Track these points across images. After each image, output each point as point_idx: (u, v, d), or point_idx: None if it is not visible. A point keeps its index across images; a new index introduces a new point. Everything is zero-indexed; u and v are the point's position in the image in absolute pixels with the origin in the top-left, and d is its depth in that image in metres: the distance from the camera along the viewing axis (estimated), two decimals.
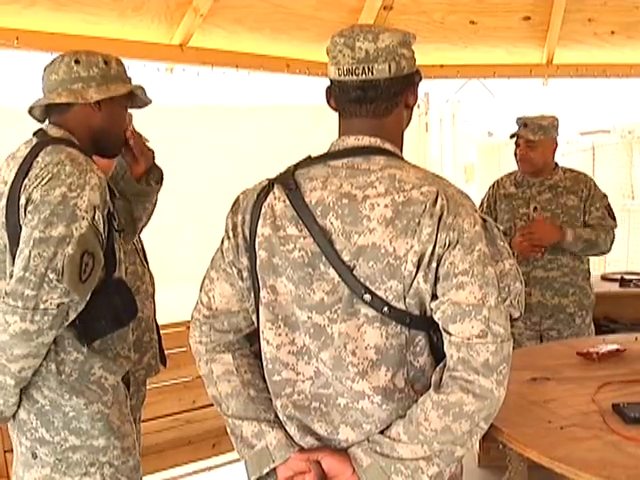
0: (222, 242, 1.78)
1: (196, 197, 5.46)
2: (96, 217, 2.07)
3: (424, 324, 1.63)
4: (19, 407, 2.16)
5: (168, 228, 5.28)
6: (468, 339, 1.55)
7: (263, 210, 1.69)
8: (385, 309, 1.59)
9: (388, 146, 1.69)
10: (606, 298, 4.77)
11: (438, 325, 1.61)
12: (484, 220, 1.63)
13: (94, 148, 2.30)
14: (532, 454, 2.13)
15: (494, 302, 1.56)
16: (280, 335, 1.69)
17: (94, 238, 2.06)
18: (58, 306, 2.00)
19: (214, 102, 6.19)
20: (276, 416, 1.74)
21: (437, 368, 1.63)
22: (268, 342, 1.70)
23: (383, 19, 4.64)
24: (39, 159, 2.11)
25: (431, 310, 1.60)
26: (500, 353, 1.56)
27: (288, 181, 1.69)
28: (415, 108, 1.82)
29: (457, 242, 1.56)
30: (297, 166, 1.73)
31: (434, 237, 1.56)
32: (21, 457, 2.20)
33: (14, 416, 2.19)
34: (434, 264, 1.57)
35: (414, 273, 1.57)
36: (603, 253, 4.03)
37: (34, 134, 2.25)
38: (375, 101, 1.68)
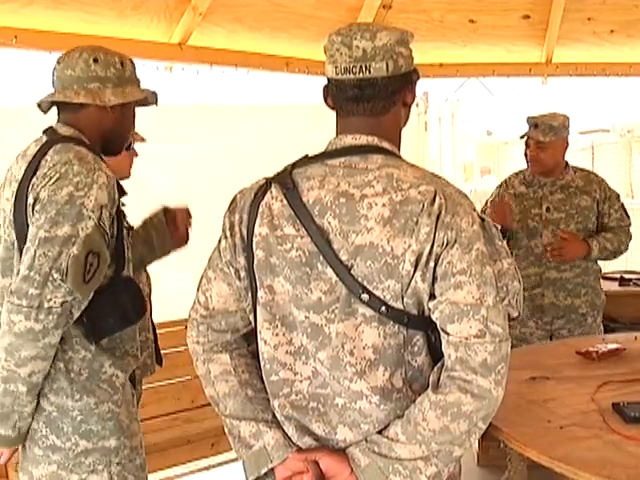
0: (219, 241, 1.78)
1: (195, 196, 5.45)
2: (103, 216, 2.07)
3: (422, 324, 1.63)
4: None
5: None
6: (466, 339, 1.54)
7: (260, 209, 1.68)
8: (383, 309, 1.59)
9: (386, 145, 1.69)
10: (606, 297, 4.76)
11: (436, 325, 1.60)
12: (482, 219, 1.63)
13: (103, 145, 2.31)
14: (532, 453, 2.12)
15: (492, 302, 1.56)
16: (277, 335, 1.69)
17: (100, 238, 2.06)
18: (62, 305, 1.99)
19: (213, 101, 6.21)
20: (274, 416, 1.73)
21: (435, 368, 1.62)
22: (265, 342, 1.70)
23: (382, 18, 4.63)
24: (48, 158, 2.11)
25: (429, 310, 1.60)
26: (498, 353, 1.55)
27: (285, 180, 1.68)
28: (414, 107, 1.81)
29: (455, 241, 1.56)
30: (294, 165, 1.72)
31: (432, 236, 1.55)
32: (29, 453, 2.20)
33: None
34: (432, 263, 1.56)
35: (412, 272, 1.57)
36: (622, 254, 4.01)
37: (44, 132, 2.25)
38: (373, 100, 1.67)
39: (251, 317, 1.75)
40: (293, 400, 1.70)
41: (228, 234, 1.74)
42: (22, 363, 2.01)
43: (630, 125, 9.40)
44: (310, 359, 1.67)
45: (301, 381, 1.69)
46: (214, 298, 1.77)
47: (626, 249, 3.93)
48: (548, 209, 3.88)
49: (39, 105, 2.29)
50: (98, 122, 2.25)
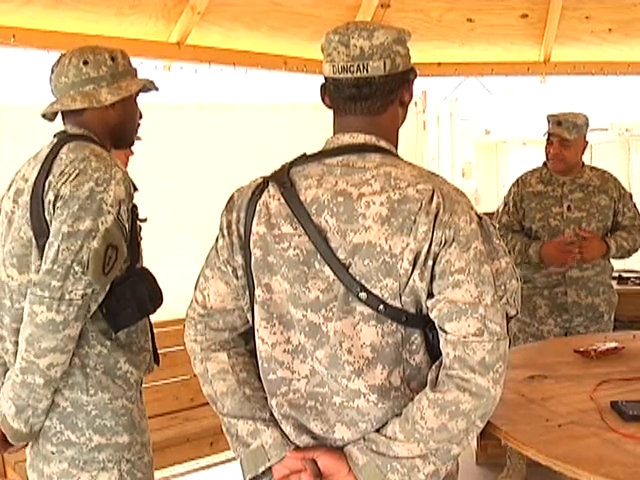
0: (217, 240, 1.78)
1: (193, 194, 5.46)
2: (121, 211, 2.12)
3: (420, 322, 1.63)
4: None
5: (166, 225, 5.28)
6: (464, 337, 1.54)
7: (258, 208, 1.68)
8: (381, 307, 1.59)
9: (383, 144, 1.69)
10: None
11: (434, 323, 1.60)
12: (480, 218, 1.63)
13: (113, 141, 2.36)
14: (530, 452, 2.12)
15: (490, 300, 1.56)
16: (275, 334, 1.69)
17: (118, 232, 2.11)
18: (82, 297, 2.05)
19: (212, 100, 6.20)
20: (271, 415, 1.73)
21: (433, 366, 1.62)
22: (263, 341, 1.70)
23: (380, 17, 4.63)
24: (62, 156, 2.15)
25: (427, 308, 1.60)
26: (496, 351, 1.55)
27: (283, 179, 1.68)
28: (412, 106, 1.82)
29: (453, 240, 1.56)
30: (292, 164, 1.72)
31: (430, 235, 1.55)
32: (42, 450, 2.21)
33: None
34: (430, 262, 1.56)
35: (410, 271, 1.57)
36: (636, 252, 4.02)
37: (55, 136, 2.28)
38: (370, 98, 1.67)
39: (249, 316, 1.75)
40: (291, 399, 1.70)
41: (225, 233, 1.74)
42: (42, 354, 2.04)
43: (628, 124, 9.39)
44: (308, 358, 1.67)
45: (299, 380, 1.69)
46: (212, 297, 1.77)
47: (638, 248, 3.93)
48: (569, 208, 3.87)
49: (44, 116, 2.32)
50: (102, 121, 2.28)
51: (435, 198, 1.57)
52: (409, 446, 1.58)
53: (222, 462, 4.37)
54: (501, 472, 4.03)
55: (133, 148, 2.88)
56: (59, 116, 2.32)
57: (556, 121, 3.82)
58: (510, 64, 5.25)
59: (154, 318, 2.47)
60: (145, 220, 2.32)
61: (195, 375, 1.86)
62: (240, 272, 1.73)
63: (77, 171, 2.10)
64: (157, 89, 2.41)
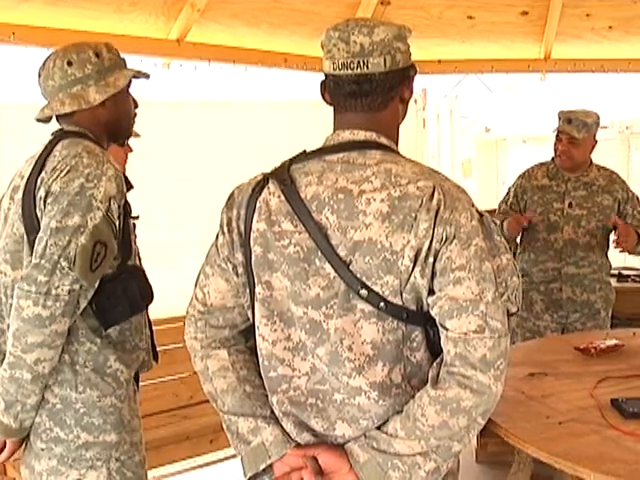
0: (217, 237, 1.77)
1: (193, 192, 5.46)
2: (111, 207, 2.12)
3: (421, 319, 1.62)
4: None
5: (165, 222, 5.28)
6: (465, 334, 1.54)
7: (258, 205, 1.68)
8: (381, 304, 1.58)
9: (384, 140, 1.69)
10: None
11: (435, 320, 1.60)
12: (481, 215, 1.62)
13: (109, 137, 2.36)
14: (530, 449, 2.12)
15: (491, 297, 1.56)
16: (276, 331, 1.68)
17: (108, 228, 2.10)
18: (69, 292, 2.04)
19: (211, 97, 6.19)
20: (272, 412, 1.73)
21: (434, 363, 1.62)
22: (264, 338, 1.70)
23: (380, 14, 4.63)
24: (56, 153, 2.16)
25: (428, 305, 1.60)
26: (497, 348, 1.55)
27: (283, 176, 1.68)
28: (412, 104, 1.81)
29: (454, 237, 1.56)
30: (292, 161, 1.72)
31: (431, 232, 1.55)
32: (33, 446, 2.22)
33: None
34: (431, 259, 1.56)
35: (411, 268, 1.56)
36: None
37: (52, 134, 2.29)
38: (370, 95, 1.67)
39: (249, 313, 1.75)
40: (292, 396, 1.70)
41: (225, 230, 1.74)
42: (28, 349, 2.04)
43: (628, 121, 9.39)
44: (309, 355, 1.67)
45: (299, 377, 1.69)
46: (212, 294, 1.77)
47: None
48: (570, 205, 3.89)
49: (38, 120, 2.32)
50: (94, 120, 2.28)
51: (436, 195, 1.57)
52: (410, 443, 1.58)
53: (222, 460, 4.36)
54: (508, 469, 4.03)
55: (132, 145, 2.87)
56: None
57: (567, 119, 3.82)
58: (510, 61, 5.24)
59: (153, 316, 2.47)
60: (137, 217, 2.31)
61: (194, 373, 1.85)
62: (240, 269, 1.72)
63: (68, 167, 2.10)
64: (148, 77, 2.40)
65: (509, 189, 4.16)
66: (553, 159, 4.03)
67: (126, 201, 2.22)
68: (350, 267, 1.59)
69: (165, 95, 5.37)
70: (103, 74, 2.25)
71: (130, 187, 2.28)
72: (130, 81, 2.32)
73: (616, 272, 5.10)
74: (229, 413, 1.76)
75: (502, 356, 1.56)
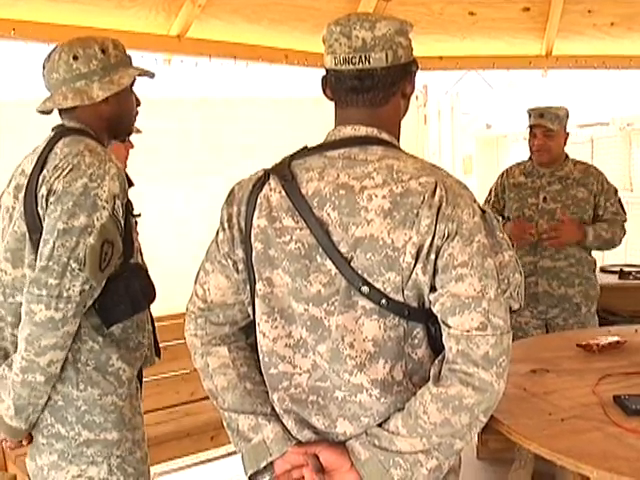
0: (217, 234, 1.77)
1: (193, 188, 5.46)
2: (116, 206, 2.12)
3: (422, 316, 1.62)
4: None
5: (166, 219, 5.27)
6: (467, 331, 1.53)
7: (259, 201, 1.67)
8: (383, 301, 1.57)
9: (385, 136, 1.68)
10: (605, 290, 4.75)
11: (436, 317, 1.59)
12: (483, 211, 1.62)
13: (110, 134, 2.35)
14: (533, 446, 2.12)
15: (494, 294, 1.55)
16: (276, 328, 1.68)
17: (114, 227, 2.11)
18: (80, 293, 2.05)
19: (212, 93, 6.18)
20: (273, 409, 1.72)
21: (436, 361, 1.61)
22: (264, 335, 1.69)
23: (382, 10, 4.61)
24: (57, 150, 2.15)
25: (429, 302, 1.59)
26: (500, 345, 1.54)
27: (284, 172, 1.67)
28: (413, 100, 1.81)
29: (456, 233, 1.55)
30: (293, 157, 1.71)
31: (433, 228, 1.54)
32: (34, 441, 2.24)
33: None
34: (433, 256, 1.55)
35: (412, 265, 1.55)
36: (615, 247, 4.07)
37: (53, 129, 2.28)
38: (372, 90, 1.66)
39: (249, 310, 1.74)
40: (292, 393, 1.69)
41: (226, 226, 1.73)
42: (42, 352, 2.04)
43: (630, 118, 9.38)
44: (310, 352, 1.66)
45: (300, 374, 1.68)
46: (212, 291, 1.76)
47: (619, 243, 3.99)
48: (545, 199, 3.96)
49: (41, 112, 2.31)
50: (96, 116, 2.27)
51: (438, 191, 1.56)
52: (412, 441, 1.57)
53: (223, 456, 4.36)
54: (509, 466, 4.03)
55: (134, 142, 2.86)
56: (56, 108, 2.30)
57: (538, 113, 3.90)
58: (512, 58, 5.24)
59: (155, 312, 2.46)
60: (139, 215, 2.31)
61: (195, 369, 1.85)
62: (241, 266, 1.72)
63: (70, 166, 2.09)
64: (153, 76, 2.40)
65: (490, 189, 4.24)
66: (530, 158, 4.10)
67: (128, 199, 2.22)
68: (351, 264, 1.58)
69: (166, 91, 5.36)
70: (108, 71, 2.24)
71: (130, 184, 2.27)
72: (134, 79, 2.31)
73: (618, 269, 5.10)
74: (229, 410, 1.75)
75: (504, 353, 1.55)
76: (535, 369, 2.74)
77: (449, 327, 1.55)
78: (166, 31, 4.24)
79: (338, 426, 1.66)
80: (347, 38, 1.62)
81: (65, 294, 2.02)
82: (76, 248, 2.04)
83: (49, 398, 2.16)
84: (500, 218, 1.59)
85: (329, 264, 1.60)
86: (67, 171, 2.08)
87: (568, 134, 4.01)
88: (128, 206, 2.22)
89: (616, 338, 3.04)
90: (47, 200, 2.09)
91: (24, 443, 2.25)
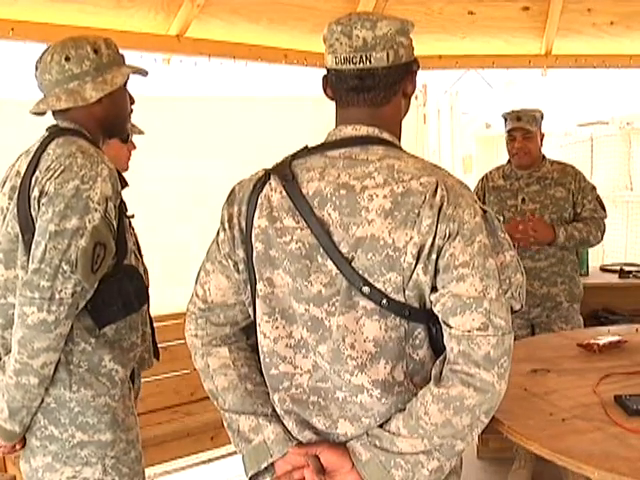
0: (217, 234, 1.76)
1: (194, 188, 5.45)
2: (108, 208, 2.11)
3: (423, 316, 1.61)
4: None
5: (166, 218, 5.27)
6: (469, 332, 1.53)
7: (259, 201, 1.67)
8: (384, 301, 1.57)
9: (386, 136, 1.67)
10: (605, 289, 4.77)
11: (437, 317, 1.59)
12: (484, 211, 1.61)
13: (105, 134, 2.34)
14: (534, 446, 2.12)
15: (495, 294, 1.54)
16: (277, 328, 1.67)
17: (106, 229, 2.10)
18: (72, 295, 2.04)
19: (211, 93, 6.18)
20: (273, 410, 1.72)
21: (437, 361, 1.61)
22: (265, 335, 1.68)
23: (381, 9, 4.61)
24: (50, 151, 2.14)
25: (431, 302, 1.58)
26: (501, 346, 1.54)
27: (285, 172, 1.67)
28: (413, 99, 1.80)
29: (457, 233, 1.54)
30: (294, 156, 1.71)
31: (434, 228, 1.54)
32: (28, 443, 2.23)
33: None
34: (434, 256, 1.55)
35: (413, 265, 1.55)
36: (594, 246, 4.12)
37: (47, 129, 2.27)
38: (373, 90, 1.66)
39: (250, 310, 1.74)
40: (293, 394, 1.69)
41: (226, 226, 1.73)
42: (35, 354, 2.04)
43: (629, 117, 9.35)
44: (310, 352, 1.65)
45: (301, 375, 1.68)
46: (212, 291, 1.76)
47: (596, 241, 3.99)
48: (523, 200, 4.00)
49: (34, 113, 2.30)
50: (90, 117, 2.26)
51: (439, 191, 1.55)
52: (413, 442, 1.56)
53: (223, 456, 4.37)
54: (509, 466, 4.03)
55: (135, 142, 2.86)
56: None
57: (515, 117, 3.96)
58: (511, 57, 5.24)
59: (154, 312, 2.46)
60: (133, 216, 2.31)
61: (195, 369, 1.85)
62: (241, 266, 1.71)
63: (62, 167, 2.08)
64: (146, 74, 2.39)
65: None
66: (509, 161, 4.14)
67: (121, 200, 2.21)
68: (352, 264, 1.58)
69: (165, 91, 5.35)
70: (101, 71, 2.23)
71: (125, 185, 2.27)
72: (127, 78, 2.31)
73: (618, 268, 5.10)
74: (230, 411, 1.75)
75: (506, 354, 1.55)
76: (536, 369, 2.74)
77: (450, 327, 1.55)
78: (165, 31, 4.24)
79: (339, 427, 1.65)
80: (348, 38, 1.62)
81: (57, 296, 2.02)
82: (68, 250, 2.03)
83: (42, 400, 2.15)
84: (501, 218, 1.59)
85: (330, 264, 1.60)
86: (59, 172, 2.07)
87: (543, 135, 4.06)
88: (121, 207, 2.21)
89: (617, 337, 3.05)
90: (39, 202, 2.08)
91: (17, 447, 2.24)
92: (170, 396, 4.17)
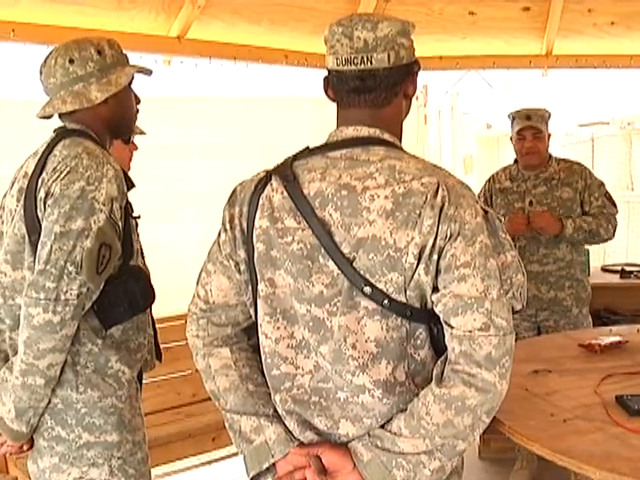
0: (219, 234, 1.76)
1: (194, 188, 5.46)
2: (114, 209, 2.11)
3: (425, 317, 1.61)
4: None
5: (166, 219, 5.27)
6: (470, 332, 1.53)
7: (261, 202, 1.67)
8: (385, 302, 1.57)
9: (387, 137, 1.68)
10: (607, 290, 4.77)
11: (439, 318, 1.59)
12: (485, 211, 1.61)
13: (111, 134, 2.35)
14: (535, 447, 2.12)
15: (496, 294, 1.55)
16: (279, 329, 1.67)
17: (111, 230, 2.10)
18: (78, 296, 2.05)
19: (212, 94, 6.18)
20: (275, 411, 1.72)
21: (438, 361, 1.61)
22: (267, 336, 1.69)
23: (382, 10, 4.61)
24: (56, 152, 2.15)
25: (432, 303, 1.58)
26: (503, 346, 1.54)
27: (286, 172, 1.67)
28: (414, 100, 1.80)
29: (458, 234, 1.54)
30: (295, 157, 1.71)
31: (435, 229, 1.54)
32: (35, 444, 2.24)
33: None
34: (435, 256, 1.55)
35: (415, 265, 1.55)
36: (606, 240, 4.05)
37: (54, 131, 2.28)
38: (374, 91, 1.66)
39: (251, 311, 1.74)
40: (295, 394, 1.69)
41: (228, 227, 1.73)
42: (41, 355, 2.05)
43: (630, 117, 9.35)
44: (312, 353, 1.66)
45: (303, 375, 1.68)
46: (214, 292, 1.76)
47: (609, 235, 3.94)
48: (531, 203, 3.96)
49: (41, 117, 2.30)
50: (96, 117, 2.27)
51: (440, 191, 1.55)
52: (414, 442, 1.57)
53: (224, 457, 4.36)
54: (511, 466, 4.03)
55: (136, 143, 2.86)
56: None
57: (524, 115, 3.91)
58: (512, 57, 5.24)
59: (155, 314, 2.46)
60: (139, 217, 2.31)
61: (197, 370, 1.85)
62: (243, 267, 1.71)
63: (68, 169, 2.09)
64: (150, 73, 2.39)
65: (479, 194, 4.20)
66: (515, 161, 4.11)
67: (127, 201, 2.21)
68: (354, 264, 1.58)
69: (166, 92, 5.36)
70: (105, 72, 2.23)
71: (132, 186, 2.27)
72: (132, 77, 2.31)
73: (619, 269, 5.09)
74: (231, 412, 1.75)
75: (507, 354, 1.55)
76: (537, 369, 2.74)
77: (452, 327, 1.55)
78: (166, 32, 4.24)
79: (340, 427, 1.65)
80: (349, 39, 1.62)
81: (62, 297, 2.02)
82: (73, 251, 2.04)
83: (49, 401, 2.16)
84: (502, 219, 1.59)
85: (331, 265, 1.60)
86: (64, 174, 2.08)
87: (550, 134, 4.02)
88: (128, 208, 2.22)
89: (618, 338, 3.04)
90: (45, 203, 2.09)
91: (25, 448, 2.25)
92: (171, 397, 4.17)
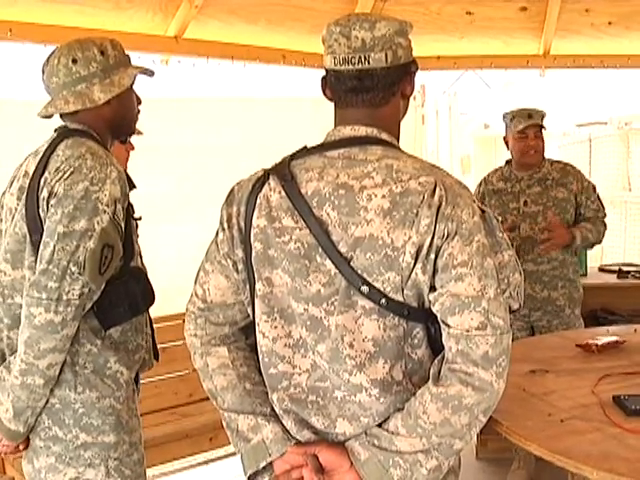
0: (217, 234, 1.76)
1: (192, 188, 5.45)
2: (117, 210, 2.11)
3: (422, 316, 1.61)
4: None
5: (165, 219, 5.27)
6: (467, 331, 1.53)
7: (258, 201, 1.67)
8: (383, 301, 1.57)
9: (385, 136, 1.68)
10: (604, 290, 4.77)
11: (436, 317, 1.59)
12: (483, 211, 1.61)
13: (113, 135, 2.35)
14: (532, 447, 2.12)
15: (493, 294, 1.55)
16: (276, 328, 1.67)
17: (114, 231, 2.11)
18: (79, 297, 2.05)
19: (210, 94, 6.19)
20: (272, 410, 1.72)
21: (435, 360, 1.61)
22: (264, 335, 1.69)
23: (379, 10, 4.62)
24: (59, 152, 2.15)
25: (429, 302, 1.59)
26: (499, 345, 1.54)
27: (284, 172, 1.67)
28: (411, 100, 1.80)
29: (456, 233, 1.54)
30: (293, 157, 1.71)
31: (432, 228, 1.54)
32: (32, 444, 2.23)
33: None
34: (432, 255, 1.55)
35: (412, 264, 1.55)
36: (598, 244, 4.09)
37: (55, 130, 2.27)
38: (372, 91, 1.66)
39: (249, 310, 1.74)
40: (292, 393, 1.69)
41: (225, 226, 1.73)
42: (41, 355, 2.05)
43: (628, 117, 9.37)
44: (309, 352, 1.66)
45: (300, 374, 1.68)
46: (212, 291, 1.76)
47: (602, 240, 3.99)
48: (526, 203, 3.96)
49: (43, 117, 2.30)
50: (98, 118, 2.27)
51: (437, 191, 1.55)
52: (411, 441, 1.57)
53: (221, 457, 4.36)
54: (508, 466, 4.03)
55: (134, 143, 2.86)
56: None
57: (526, 114, 3.91)
58: (509, 57, 5.24)
59: (153, 314, 2.46)
60: (140, 218, 2.32)
61: (194, 370, 1.85)
62: (240, 266, 1.71)
63: (72, 169, 2.08)
64: (152, 74, 2.39)
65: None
66: (507, 162, 4.12)
67: (129, 202, 2.22)
68: (351, 263, 1.58)
69: (163, 92, 5.35)
70: (108, 72, 2.23)
71: (132, 187, 2.27)
72: (134, 78, 2.31)
73: (616, 268, 5.10)
74: (229, 411, 1.75)
75: (504, 353, 1.55)
76: (534, 369, 2.74)
77: (449, 327, 1.55)
78: (163, 32, 4.24)
79: (337, 426, 1.65)
80: (347, 38, 1.62)
81: (64, 297, 2.02)
82: (76, 252, 2.03)
83: (47, 401, 2.15)
84: (500, 218, 1.59)
85: (329, 264, 1.60)
86: (68, 174, 2.08)
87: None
88: (129, 209, 2.22)
89: (615, 338, 3.04)
90: (48, 202, 2.09)
91: (21, 448, 2.25)
92: (168, 397, 4.16)
